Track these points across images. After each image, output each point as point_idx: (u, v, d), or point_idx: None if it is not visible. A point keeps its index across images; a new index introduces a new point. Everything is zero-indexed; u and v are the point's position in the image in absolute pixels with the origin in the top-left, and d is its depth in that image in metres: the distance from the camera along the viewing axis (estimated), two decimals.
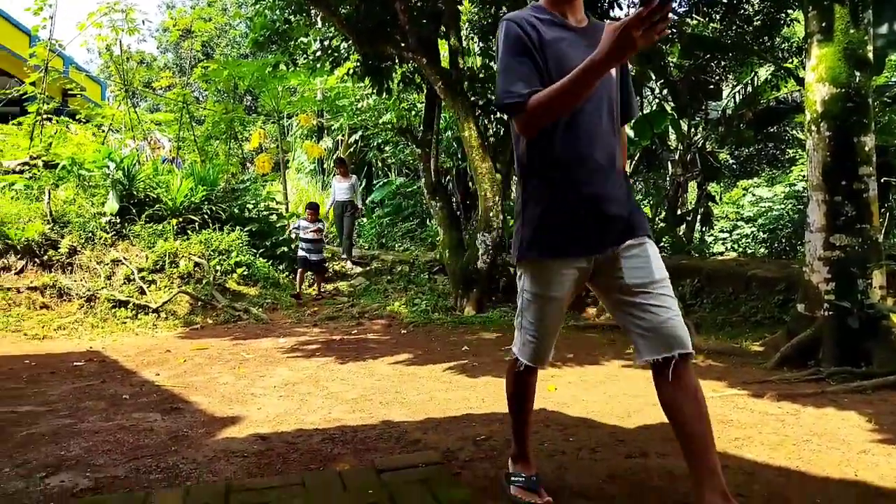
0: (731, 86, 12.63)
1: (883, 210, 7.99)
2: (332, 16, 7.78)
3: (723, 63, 10.84)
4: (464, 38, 9.42)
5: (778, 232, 12.16)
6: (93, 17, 11.62)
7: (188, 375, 4.79)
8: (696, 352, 5.51)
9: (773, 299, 6.36)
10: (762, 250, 12.19)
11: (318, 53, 9.04)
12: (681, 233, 11.34)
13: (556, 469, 2.70)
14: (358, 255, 11.70)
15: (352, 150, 16.36)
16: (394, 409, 3.80)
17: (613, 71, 2.02)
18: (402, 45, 7.97)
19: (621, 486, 2.51)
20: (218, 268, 8.61)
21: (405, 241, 13.26)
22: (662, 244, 10.86)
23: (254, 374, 4.81)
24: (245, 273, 8.94)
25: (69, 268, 7.79)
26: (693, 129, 11.92)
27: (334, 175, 12.13)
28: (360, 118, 14.03)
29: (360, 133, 15.32)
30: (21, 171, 9.29)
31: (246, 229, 9.65)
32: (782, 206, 12.42)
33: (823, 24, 4.86)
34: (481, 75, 9.19)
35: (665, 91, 11.00)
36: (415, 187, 14.54)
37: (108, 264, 7.98)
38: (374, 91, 9.48)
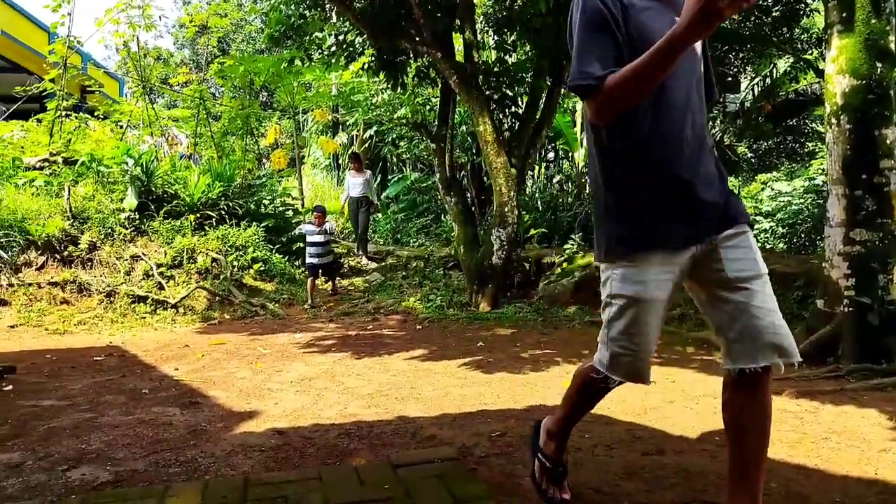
0: (749, 78, 12.48)
1: None
2: (346, 10, 7.78)
3: (741, 55, 10.70)
4: (479, 31, 9.38)
5: (797, 227, 12.01)
6: (110, 14, 11.72)
7: (206, 370, 4.84)
8: (715, 348, 5.48)
9: (792, 295, 6.28)
10: (781, 245, 12.05)
11: (333, 48, 9.05)
12: None
13: (572, 466, 2.70)
14: (373, 251, 11.73)
15: (366, 145, 16.38)
16: (409, 404, 3.82)
17: (698, 45, 1.89)
18: (417, 39, 7.96)
19: (637, 483, 2.50)
20: (235, 263, 8.68)
21: (420, 236, 13.26)
22: None
23: (271, 370, 4.85)
24: (262, 269, 9.01)
25: (89, 263, 7.90)
26: (710, 122, 11.79)
27: (349, 170, 12.14)
28: (374, 113, 14.04)
29: (374, 128, 15.33)
30: (41, 168, 9.42)
31: (262, 225, 9.72)
32: (801, 200, 12.25)
33: (844, 15, 4.78)
34: (496, 69, 9.16)
35: None
36: (429, 182, 14.53)
37: (127, 260, 8.07)
38: (389, 86, 9.48)
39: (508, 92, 9.28)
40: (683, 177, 1.83)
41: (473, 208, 10.92)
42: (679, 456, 2.81)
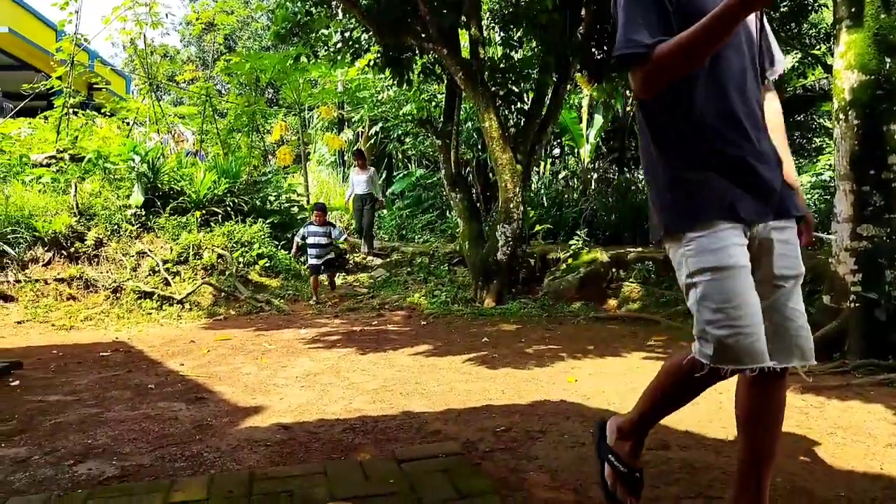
0: None
1: None
2: (352, 7, 7.78)
3: None
4: (485, 27, 9.36)
5: None
6: (117, 12, 11.75)
7: (212, 365, 4.86)
8: None
9: None
10: None
11: (339, 45, 9.05)
12: None
13: (577, 460, 2.70)
14: (378, 247, 11.74)
15: (372, 141, 16.38)
16: (414, 399, 3.82)
17: (753, 15, 1.80)
18: (423, 35, 7.95)
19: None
20: (240, 259, 8.71)
21: (425, 232, 13.27)
22: None
23: (276, 365, 4.86)
24: (267, 265, 9.03)
25: (95, 260, 7.93)
26: None
27: (353, 167, 12.14)
28: (380, 110, 14.04)
29: (380, 125, 15.33)
30: (48, 165, 9.46)
31: (268, 221, 9.74)
32: (808, 195, 12.18)
33: (853, 10, 4.74)
34: (502, 65, 9.14)
35: None
36: (435, 179, 14.53)
37: (133, 256, 8.11)
38: (395, 82, 9.47)
39: (514, 88, 9.26)
40: (741, 152, 1.74)
41: (478, 204, 10.94)
42: (684, 451, 2.80)
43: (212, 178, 9.64)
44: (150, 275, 7.92)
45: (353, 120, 16.82)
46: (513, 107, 9.57)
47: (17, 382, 4.33)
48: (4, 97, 12.50)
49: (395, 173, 16.99)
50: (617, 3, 1.76)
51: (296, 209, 11.64)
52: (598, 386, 4.08)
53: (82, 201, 8.51)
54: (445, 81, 9.41)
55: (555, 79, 8.42)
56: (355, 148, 14.30)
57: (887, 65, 4.65)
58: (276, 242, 9.71)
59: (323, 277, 8.69)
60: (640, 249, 8.54)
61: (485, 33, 9.24)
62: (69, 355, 5.32)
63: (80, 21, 11.08)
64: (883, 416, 3.34)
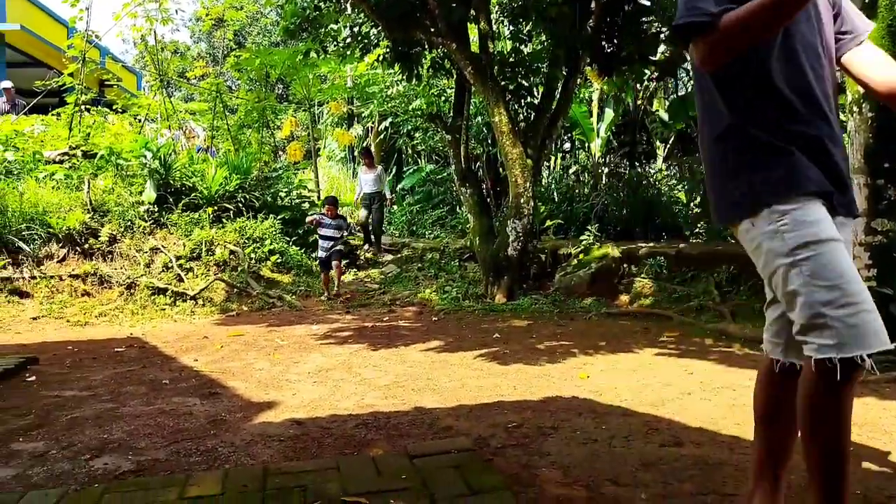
0: None
1: None
2: (361, 2, 7.77)
3: None
4: (494, 21, 9.32)
5: None
6: (128, 8, 11.81)
7: (225, 361, 4.89)
8: (733, 339, 5.44)
9: None
10: None
11: (348, 40, 9.05)
12: None
13: (589, 457, 2.70)
14: (388, 243, 11.75)
15: (382, 137, 16.39)
16: (426, 395, 3.83)
17: None
18: (432, 30, 7.93)
19: (655, 474, 2.50)
20: (252, 255, 8.75)
21: (435, 228, 13.27)
22: (698, 230, 10.68)
23: (288, 361, 4.89)
24: (279, 260, 9.07)
25: (109, 256, 7.99)
26: None
27: (360, 166, 12.12)
28: (389, 105, 14.04)
29: (389, 120, 15.33)
30: (61, 161, 9.53)
31: (279, 217, 9.78)
32: None
33: (867, 1, 4.69)
34: (511, 59, 9.11)
35: None
36: (445, 174, 14.52)
37: (146, 252, 8.16)
38: (404, 77, 9.47)
39: (524, 82, 9.22)
40: (820, 133, 1.64)
41: (489, 200, 10.91)
42: (697, 448, 2.79)
43: (223, 174, 9.68)
44: (163, 271, 7.97)
45: (362, 115, 16.83)
46: (523, 101, 9.53)
47: (33, 378, 4.37)
48: (17, 94, 12.58)
49: (404, 169, 16.99)
50: None
51: (306, 205, 11.67)
52: (610, 382, 4.08)
53: (95, 198, 8.57)
54: (455, 76, 9.39)
55: (565, 72, 8.38)
56: (362, 147, 14.29)
57: None
58: (288, 238, 9.75)
59: (333, 273, 8.65)
60: (651, 244, 8.50)
61: (494, 27, 9.21)
62: (84, 351, 5.37)
63: (91, 18, 11.17)
64: None
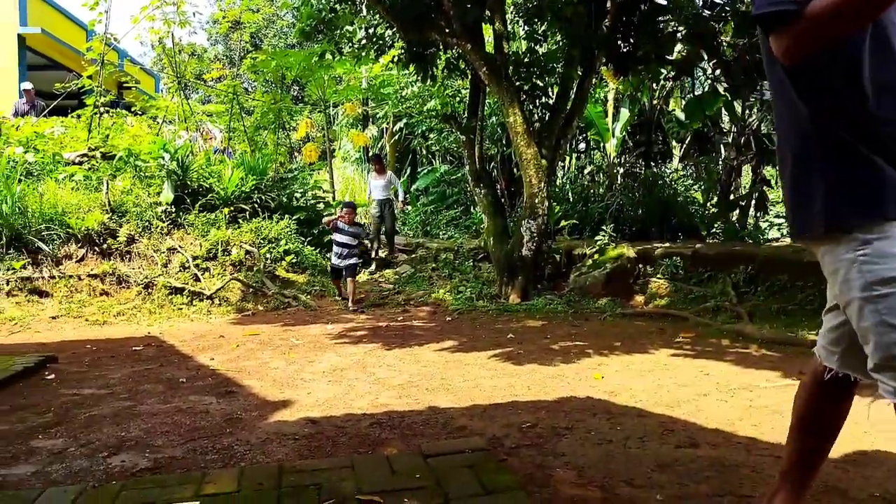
0: None
1: None
2: (376, 3, 7.80)
3: None
4: (509, 21, 9.31)
5: None
6: (146, 11, 11.93)
7: (241, 360, 4.93)
8: (751, 340, 5.39)
9: None
10: None
11: (364, 41, 9.08)
12: (734, 218, 11.03)
13: (603, 457, 2.69)
14: (403, 243, 11.75)
15: (396, 137, 16.43)
16: (440, 395, 3.84)
17: None
18: (447, 30, 7.94)
19: (670, 475, 2.48)
20: (268, 255, 8.80)
21: (449, 228, 13.27)
22: (715, 230, 10.60)
23: (303, 360, 4.91)
24: (294, 261, 9.12)
25: (127, 256, 8.08)
26: (747, 111, 11.54)
27: (370, 172, 11.88)
28: (404, 106, 14.05)
29: (404, 121, 15.36)
30: (80, 163, 9.65)
31: (294, 217, 9.83)
32: None
33: None
34: (526, 59, 9.08)
35: (718, 71, 10.68)
36: (459, 175, 14.52)
37: (164, 252, 8.25)
38: (419, 78, 9.48)
39: (539, 82, 9.20)
40: None
41: (503, 200, 10.90)
42: (713, 449, 2.77)
43: (239, 174, 9.76)
44: (180, 271, 8.05)
45: (377, 116, 16.88)
46: (537, 101, 9.51)
47: (52, 376, 4.43)
48: (37, 96, 12.77)
49: (419, 169, 17.01)
50: None
51: (321, 206, 11.72)
52: (625, 383, 4.05)
53: (114, 199, 8.67)
54: (469, 77, 9.39)
55: (580, 72, 8.35)
56: (372, 153, 14.24)
57: None
58: (303, 238, 9.80)
59: (345, 286, 8.26)
60: (667, 245, 8.44)
61: (509, 27, 9.20)
62: (102, 350, 5.43)
63: (109, 21, 11.25)
64: None
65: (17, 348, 5.46)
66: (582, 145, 14.75)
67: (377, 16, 8.63)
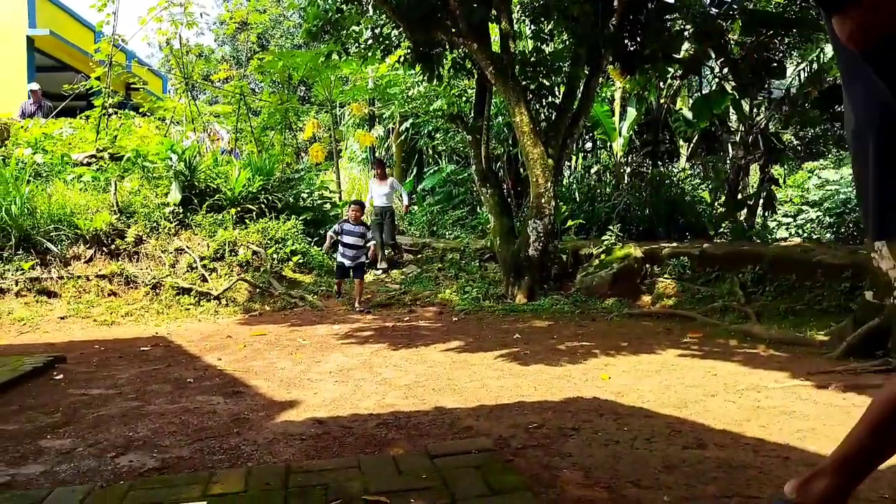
0: (795, 63, 12.10)
1: None
2: (383, 3, 7.81)
3: (787, 39, 10.38)
4: (515, 21, 9.30)
5: (845, 216, 11.65)
6: (153, 12, 11.98)
7: (248, 360, 4.94)
8: (759, 341, 5.37)
9: (840, 287, 6.10)
10: (828, 235, 11.70)
11: (370, 42, 9.09)
12: (742, 218, 10.99)
13: (611, 458, 2.68)
14: (409, 243, 11.74)
15: (403, 137, 16.44)
16: (446, 395, 3.83)
17: None
18: (453, 30, 7.94)
19: (677, 476, 2.47)
20: (275, 256, 8.83)
21: (456, 228, 13.26)
22: (722, 230, 10.55)
23: (310, 360, 4.92)
24: (300, 261, 9.14)
25: (135, 256, 8.12)
26: (755, 110, 11.49)
27: (372, 178, 11.57)
28: (410, 106, 14.07)
29: (410, 121, 15.37)
30: (89, 164, 9.71)
31: (301, 218, 9.85)
32: (850, 188, 11.87)
33: None
34: (533, 59, 9.08)
35: (725, 70, 10.63)
36: (465, 174, 14.51)
37: (171, 253, 8.28)
38: (425, 78, 9.48)
39: (545, 82, 9.19)
40: None
41: (509, 200, 10.88)
42: (721, 450, 2.76)
43: (246, 175, 9.79)
44: (187, 271, 8.08)
45: (383, 116, 16.89)
46: (544, 101, 9.50)
47: (60, 376, 4.46)
48: (44, 97, 12.84)
49: (425, 169, 17.01)
50: None
51: (328, 206, 11.74)
52: (632, 383, 4.04)
53: (122, 199, 8.71)
54: (476, 76, 9.39)
55: (586, 71, 8.33)
56: (375, 157, 14.19)
57: None
58: (310, 239, 9.82)
59: (347, 287, 8.24)
60: (674, 244, 8.41)
61: (515, 27, 9.19)
62: (110, 350, 5.46)
63: (117, 22, 11.31)
64: None
65: (26, 348, 5.49)
66: (588, 145, 14.73)
67: (383, 16, 8.63)
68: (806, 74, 11.25)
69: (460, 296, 8.20)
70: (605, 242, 8.46)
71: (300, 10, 17.14)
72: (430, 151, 17.25)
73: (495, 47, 8.42)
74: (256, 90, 20.54)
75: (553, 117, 8.82)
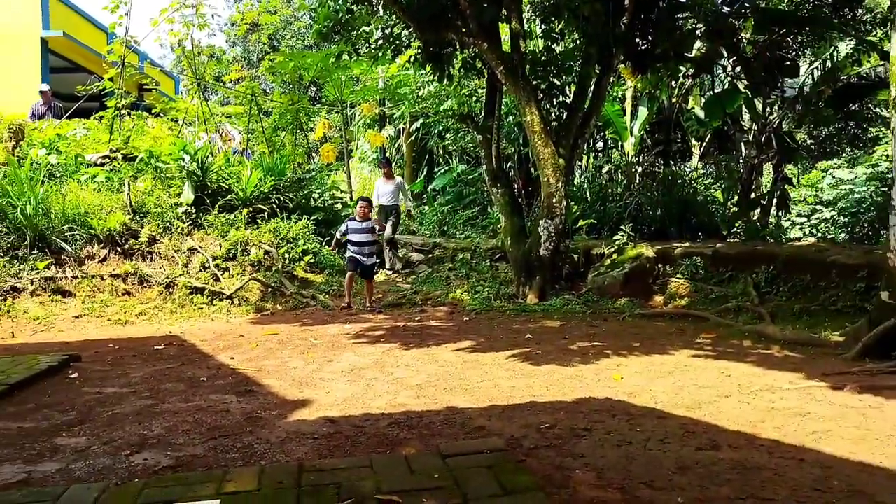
0: (808, 62, 12.00)
1: None
2: (393, 4, 7.81)
3: (800, 38, 10.30)
4: (525, 20, 9.28)
5: (860, 216, 11.53)
6: (165, 14, 12.05)
7: (260, 359, 4.96)
8: (773, 341, 5.32)
9: (855, 287, 6.04)
10: (843, 235, 11.59)
11: (380, 42, 9.09)
12: (755, 218, 10.90)
13: (623, 458, 2.67)
14: (420, 243, 11.73)
15: (413, 137, 16.44)
16: (458, 395, 3.83)
17: None
18: (463, 30, 7.93)
19: (691, 477, 2.46)
20: (286, 256, 8.86)
21: (466, 228, 13.24)
22: (735, 230, 10.48)
23: (322, 359, 4.93)
24: (312, 261, 9.17)
25: (149, 256, 8.18)
26: (768, 108, 11.40)
27: (379, 176, 11.60)
28: (421, 106, 14.06)
29: (421, 121, 15.36)
30: (102, 164, 9.79)
31: (312, 218, 9.89)
32: (864, 188, 11.75)
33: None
34: (543, 58, 9.05)
35: (738, 68, 10.56)
36: (476, 174, 14.49)
37: (184, 252, 8.33)
38: (435, 78, 9.47)
39: (556, 81, 9.16)
40: None
41: (520, 199, 10.86)
42: (735, 451, 2.74)
43: (258, 175, 9.83)
44: (200, 271, 8.13)
45: (394, 116, 16.91)
46: (555, 100, 9.46)
47: (75, 375, 4.50)
48: (55, 97, 12.93)
49: (436, 169, 17.00)
50: None
51: (339, 206, 11.76)
52: (644, 384, 4.02)
53: (135, 199, 8.78)
54: (486, 76, 9.37)
55: (597, 71, 8.30)
56: (382, 156, 14.17)
57: None
58: (321, 239, 9.85)
59: (358, 287, 8.16)
60: (687, 244, 8.36)
61: (526, 26, 9.16)
62: (125, 349, 5.50)
63: (129, 24, 11.39)
64: None
65: (41, 347, 5.55)
66: (600, 144, 14.67)
67: (394, 16, 8.64)
68: (819, 73, 11.15)
69: (471, 296, 8.19)
70: (617, 242, 8.42)
71: (311, 11, 17.21)
72: (441, 151, 17.24)
73: (506, 47, 8.41)
74: (268, 91, 20.62)
75: (564, 117, 8.79)
